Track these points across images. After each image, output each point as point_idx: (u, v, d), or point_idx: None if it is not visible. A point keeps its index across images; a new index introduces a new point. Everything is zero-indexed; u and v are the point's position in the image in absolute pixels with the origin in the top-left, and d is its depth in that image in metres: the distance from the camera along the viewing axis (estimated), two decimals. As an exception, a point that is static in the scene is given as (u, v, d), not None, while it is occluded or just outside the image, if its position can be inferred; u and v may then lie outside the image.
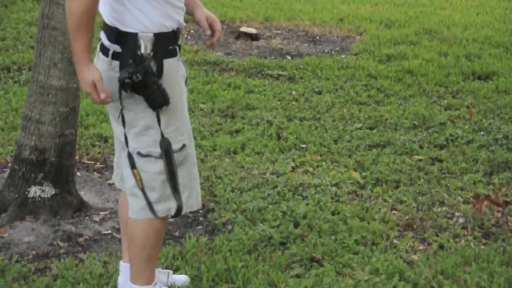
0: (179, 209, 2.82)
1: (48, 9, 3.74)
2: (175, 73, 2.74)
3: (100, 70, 2.67)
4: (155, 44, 2.65)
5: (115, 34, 2.67)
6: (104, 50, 2.71)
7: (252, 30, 8.86)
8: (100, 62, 2.72)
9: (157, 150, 2.72)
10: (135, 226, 2.83)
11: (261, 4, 10.86)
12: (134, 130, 2.72)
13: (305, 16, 10.02)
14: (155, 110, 2.68)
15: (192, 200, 2.85)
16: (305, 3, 11.17)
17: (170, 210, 2.81)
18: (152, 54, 2.65)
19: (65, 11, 2.62)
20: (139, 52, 2.63)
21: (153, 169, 2.74)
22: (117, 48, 2.67)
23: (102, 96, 2.62)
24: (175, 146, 2.75)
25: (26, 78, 6.36)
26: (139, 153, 2.73)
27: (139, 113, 2.70)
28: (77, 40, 2.61)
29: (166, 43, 2.69)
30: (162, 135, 2.71)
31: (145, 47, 2.63)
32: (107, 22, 2.69)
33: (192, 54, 7.61)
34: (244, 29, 8.90)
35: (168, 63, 2.70)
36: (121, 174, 2.95)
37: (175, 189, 2.78)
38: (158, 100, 2.66)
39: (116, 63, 2.67)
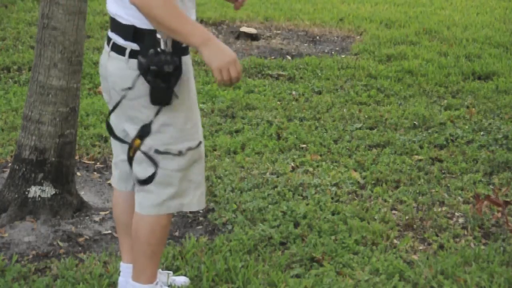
0: (190, 206, 2.82)
1: (48, 9, 3.74)
2: (190, 70, 2.73)
3: (115, 69, 2.66)
4: (174, 40, 2.60)
5: (132, 32, 2.62)
6: (119, 50, 2.66)
7: (252, 30, 8.86)
8: (115, 62, 2.68)
9: (175, 148, 2.71)
10: (142, 222, 2.81)
11: (261, 4, 10.85)
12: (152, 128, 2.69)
13: (305, 16, 10.01)
14: (154, 104, 2.63)
15: (203, 197, 2.85)
16: (305, 3, 11.16)
17: (183, 206, 2.81)
18: (172, 50, 2.61)
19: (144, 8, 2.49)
20: (159, 49, 2.58)
21: (171, 166, 2.72)
22: (134, 46, 2.62)
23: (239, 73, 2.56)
24: (192, 143, 2.74)
25: (26, 78, 6.36)
26: (156, 151, 2.70)
27: (156, 110, 2.66)
28: (187, 24, 2.51)
29: None
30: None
31: (164, 43, 2.59)
32: (123, 21, 2.64)
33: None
34: (244, 29, 8.90)
35: (184, 60, 2.69)
36: (121, 174, 2.95)
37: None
38: (165, 97, 2.62)
39: (134, 61, 2.62)
